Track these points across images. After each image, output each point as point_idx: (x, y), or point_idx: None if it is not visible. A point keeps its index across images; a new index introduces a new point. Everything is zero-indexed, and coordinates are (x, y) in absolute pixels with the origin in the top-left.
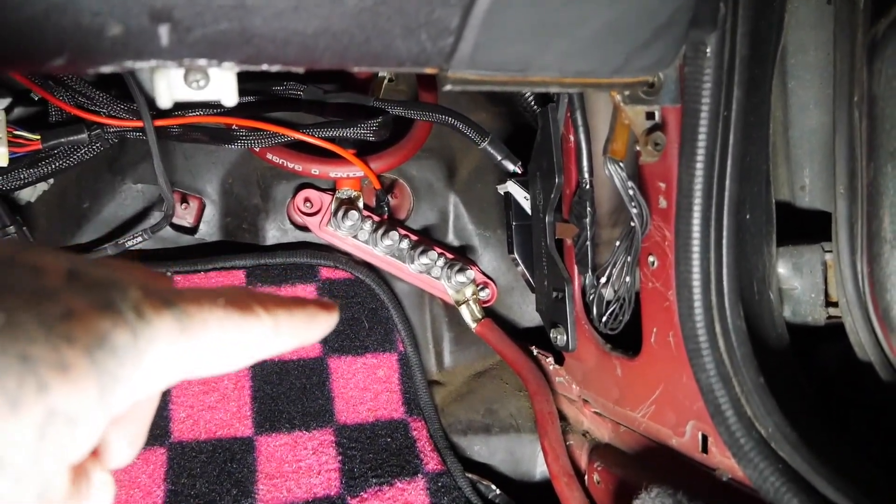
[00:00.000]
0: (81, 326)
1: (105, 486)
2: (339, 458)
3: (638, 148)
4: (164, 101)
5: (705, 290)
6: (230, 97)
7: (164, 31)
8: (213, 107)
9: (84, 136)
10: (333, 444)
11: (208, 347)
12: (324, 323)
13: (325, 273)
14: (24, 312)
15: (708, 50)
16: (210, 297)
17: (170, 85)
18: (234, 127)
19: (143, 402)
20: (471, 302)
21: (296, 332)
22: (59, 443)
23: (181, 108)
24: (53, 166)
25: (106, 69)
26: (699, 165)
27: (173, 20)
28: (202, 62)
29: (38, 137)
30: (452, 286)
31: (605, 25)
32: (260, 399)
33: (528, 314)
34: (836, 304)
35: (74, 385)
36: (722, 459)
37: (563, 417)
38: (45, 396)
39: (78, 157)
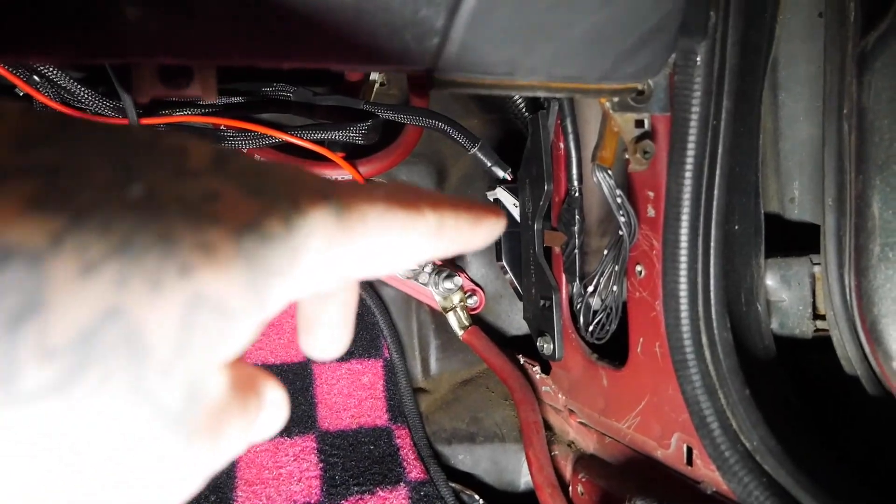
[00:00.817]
0: (228, 209)
1: (278, 407)
2: (321, 465)
3: (627, 156)
4: (142, 97)
5: (692, 300)
6: (210, 95)
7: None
8: (201, 107)
9: None
10: (315, 451)
11: (367, 246)
12: (491, 227)
13: None
14: (166, 190)
15: (698, 59)
16: (370, 191)
17: (148, 82)
18: (221, 127)
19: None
20: (458, 309)
21: (460, 234)
22: (206, 334)
23: (168, 107)
24: None
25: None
26: (688, 175)
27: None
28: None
29: None
30: (440, 293)
31: (592, 30)
32: None
33: (515, 322)
34: (823, 317)
35: (221, 269)
36: (707, 472)
37: (548, 427)
38: (188, 279)
39: None
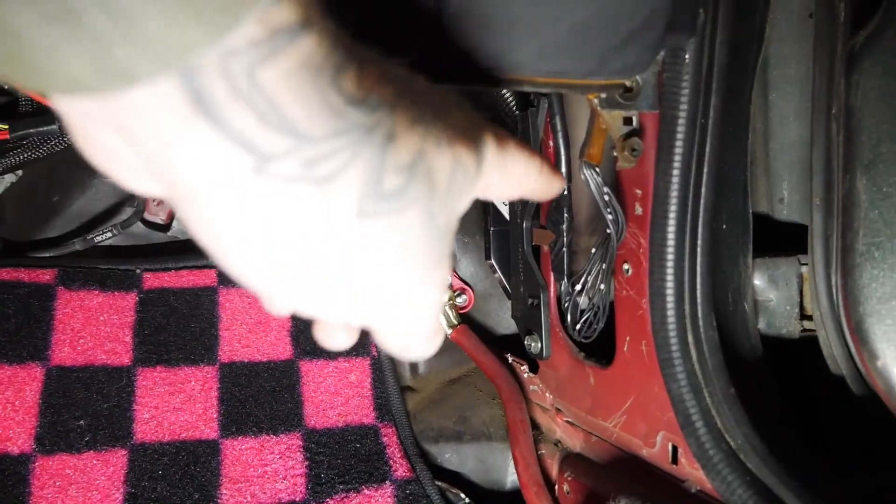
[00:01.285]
0: (472, 126)
1: None
2: (306, 463)
3: (615, 153)
4: None
5: (679, 298)
6: None
7: None
8: None
9: (55, 126)
10: (301, 449)
11: (507, 174)
12: (559, 184)
13: None
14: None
15: (686, 56)
16: (506, 133)
17: None
18: None
19: None
20: (447, 307)
21: (547, 182)
22: (460, 187)
23: None
24: (22, 157)
25: None
26: (675, 172)
27: None
28: None
29: (7, 127)
30: None
31: (578, 25)
32: (227, 401)
33: (504, 321)
34: (810, 318)
35: (471, 151)
36: (691, 471)
37: (535, 426)
38: (453, 148)
39: (47, 148)
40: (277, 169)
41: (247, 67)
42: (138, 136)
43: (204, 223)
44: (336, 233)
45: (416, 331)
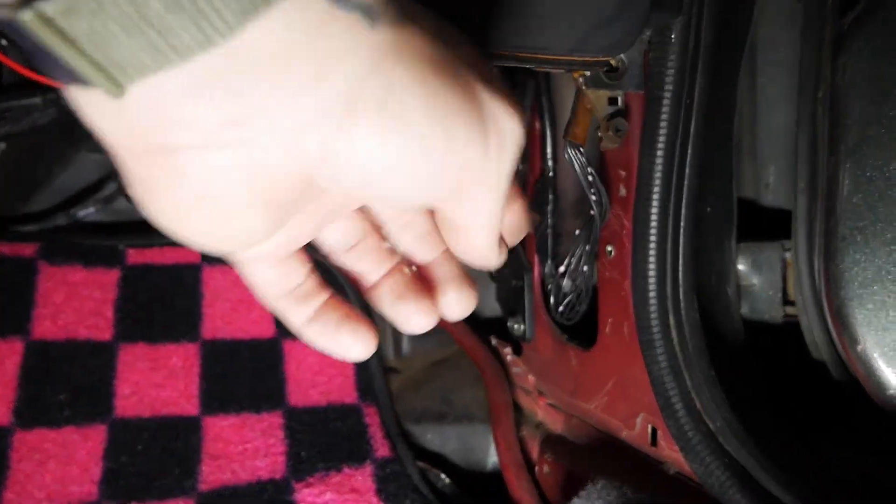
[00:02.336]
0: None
1: None
2: (287, 441)
3: (599, 134)
4: None
5: (661, 280)
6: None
7: None
8: None
9: (38, 99)
10: (282, 427)
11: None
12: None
13: None
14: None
15: (672, 35)
16: None
17: None
18: None
19: None
20: None
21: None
22: (508, 156)
23: None
24: (3, 130)
25: None
26: (659, 153)
27: None
28: None
29: None
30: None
31: (560, 0)
32: (209, 378)
33: (489, 304)
34: (794, 303)
35: (515, 120)
36: (670, 453)
37: (517, 409)
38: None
39: (30, 121)
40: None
41: None
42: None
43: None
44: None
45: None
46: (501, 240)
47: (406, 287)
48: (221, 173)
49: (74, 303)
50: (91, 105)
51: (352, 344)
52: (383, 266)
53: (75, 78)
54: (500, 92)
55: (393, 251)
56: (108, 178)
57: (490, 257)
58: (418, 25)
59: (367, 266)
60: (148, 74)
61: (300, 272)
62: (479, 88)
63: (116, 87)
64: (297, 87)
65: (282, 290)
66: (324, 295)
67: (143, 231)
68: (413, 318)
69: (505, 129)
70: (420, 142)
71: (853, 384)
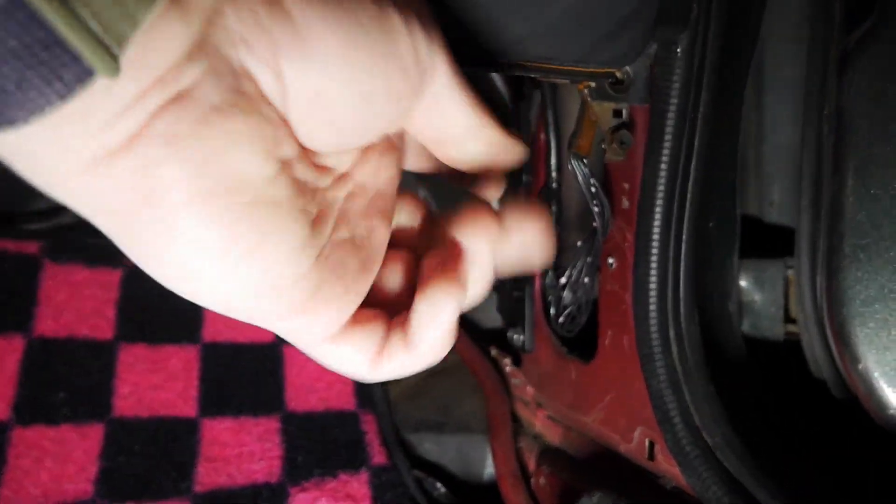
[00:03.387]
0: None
1: None
2: (284, 445)
3: (604, 146)
4: None
5: (661, 293)
6: None
7: None
8: None
9: None
10: (279, 432)
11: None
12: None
13: None
14: None
15: (678, 50)
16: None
17: None
18: None
19: None
20: None
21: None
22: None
23: None
24: None
25: None
26: (663, 167)
27: None
28: None
29: None
30: None
31: (569, 10)
32: (208, 381)
33: (489, 314)
34: (795, 321)
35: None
36: (667, 467)
37: (516, 420)
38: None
39: None
40: None
41: None
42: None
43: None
44: None
45: None
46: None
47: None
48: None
49: (76, 301)
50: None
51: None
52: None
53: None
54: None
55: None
56: None
57: (505, 146)
58: None
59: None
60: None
61: (378, 331)
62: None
63: (114, 60)
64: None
65: (366, 358)
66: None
67: None
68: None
69: (429, 22)
70: (355, 42)
71: (854, 403)
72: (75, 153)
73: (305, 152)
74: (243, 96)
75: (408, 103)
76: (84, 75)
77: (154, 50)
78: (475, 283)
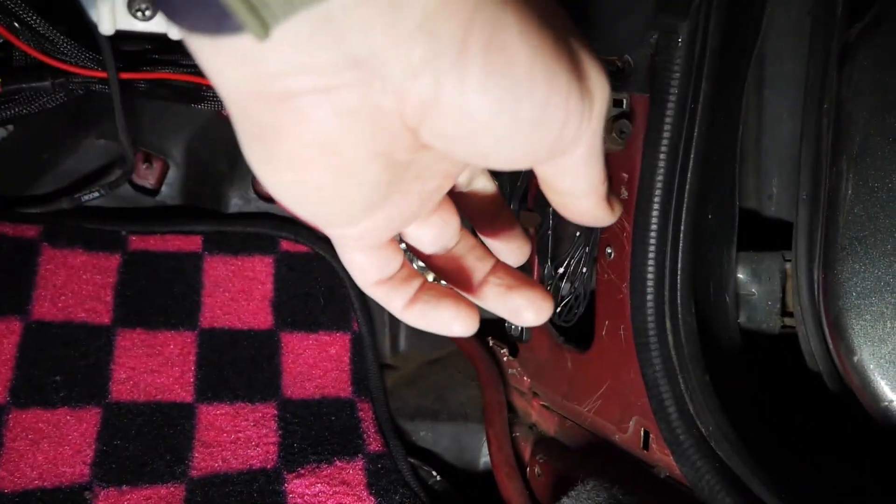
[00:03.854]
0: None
1: None
2: (280, 432)
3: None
4: (105, 27)
5: (659, 283)
6: (176, 31)
7: None
8: (183, 66)
9: (47, 83)
10: (275, 418)
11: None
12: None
13: (285, 246)
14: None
15: (679, 39)
16: None
17: (113, 10)
18: (203, 87)
19: None
20: None
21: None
22: (601, 112)
23: (150, 63)
24: (12, 111)
25: None
26: (662, 157)
27: None
28: None
29: None
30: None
31: None
32: (205, 366)
33: None
34: (792, 315)
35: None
36: (661, 457)
37: (511, 410)
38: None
39: (39, 104)
40: None
41: None
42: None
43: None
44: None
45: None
46: (610, 196)
47: (514, 278)
48: (340, 118)
49: (74, 286)
50: (220, 54)
51: (453, 319)
52: (486, 263)
53: (220, 24)
54: (590, 48)
55: (487, 250)
56: (114, 165)
57: (603, 216)
58: None
59: (471, 263)
60: (291, 15)
61: (396, 260)
62: (573, 41)
63: (264, 28)
64: (408, 29)
65: (379, 277)
66: (420, 279)
67: (146, 218)
68: (529, 309)
69: (597, 86)
70: (526, 85)
71: (848, 396)
72: (246, 79)
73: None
74: (380, 111)
75: (547, 158)
76: (236, 28)
77: (305, 47)
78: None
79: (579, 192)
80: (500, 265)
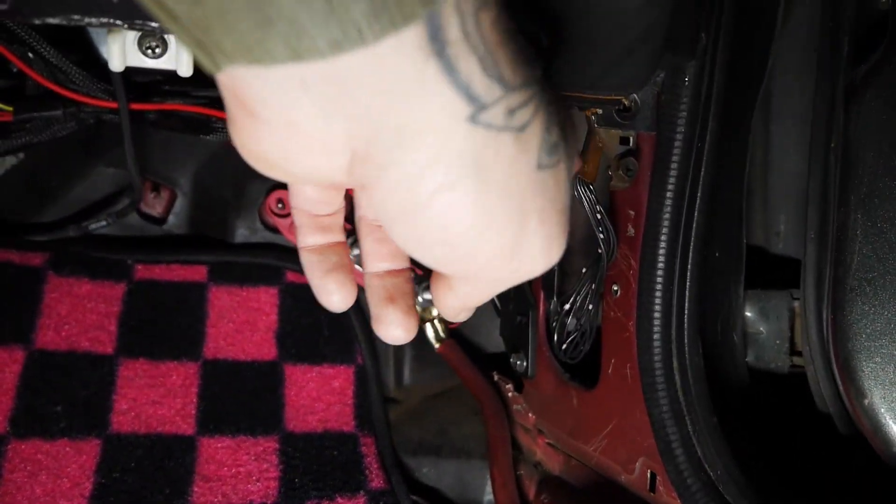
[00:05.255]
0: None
1: None
2: (281, 466)
3: (609, 173)
4: (115, 64)
5: (665, 322)
6: (186, 68)
7: None
8: (193, 97)
9: (59, 112)
10: (277, 452)
11: None
12: None
13: (290, 277)
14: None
15: (686, 78)
16: None
17: (124, 48)
18: (213, 118)
19: None
20: (436, 321)
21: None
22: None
23: (160, 94)
24: (24, 140)
25: (52, 20)
26: (669, 195)
27: None
28: (155, 25)
29: (10, 109)
30: (419, 304)
31: (573, 38)
32: (207, 398)
33: (493, 339)
34: (801, 353)
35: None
36: (668, 499)
37: (516, 446)
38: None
39: (50, 133)
40: (487, 118)
41: (473, 8)
42: (354, 94)
43: (408, 178)
44: (519, 183)
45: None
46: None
47: (398, 292)
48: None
49: (79, 314)
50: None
51: (334, 291)
52: (397, 261)
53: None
54: (550, 228)
55: (401, 255)
56: (122, 193)
57: (456, 318)
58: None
59: (369, 247)
60: (257, 64)
61: (333, 205)
62: (533, 217)
63: (215, 66)
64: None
65: (311, 209)
66: (338, 237)
67: (153, 247)
68: (394, 329)
69: (536, 259)
70: (495, 219)
71: (859, 439)
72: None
73: None
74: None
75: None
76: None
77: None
78: None
79: (460, 305)
80: (405, 272)
